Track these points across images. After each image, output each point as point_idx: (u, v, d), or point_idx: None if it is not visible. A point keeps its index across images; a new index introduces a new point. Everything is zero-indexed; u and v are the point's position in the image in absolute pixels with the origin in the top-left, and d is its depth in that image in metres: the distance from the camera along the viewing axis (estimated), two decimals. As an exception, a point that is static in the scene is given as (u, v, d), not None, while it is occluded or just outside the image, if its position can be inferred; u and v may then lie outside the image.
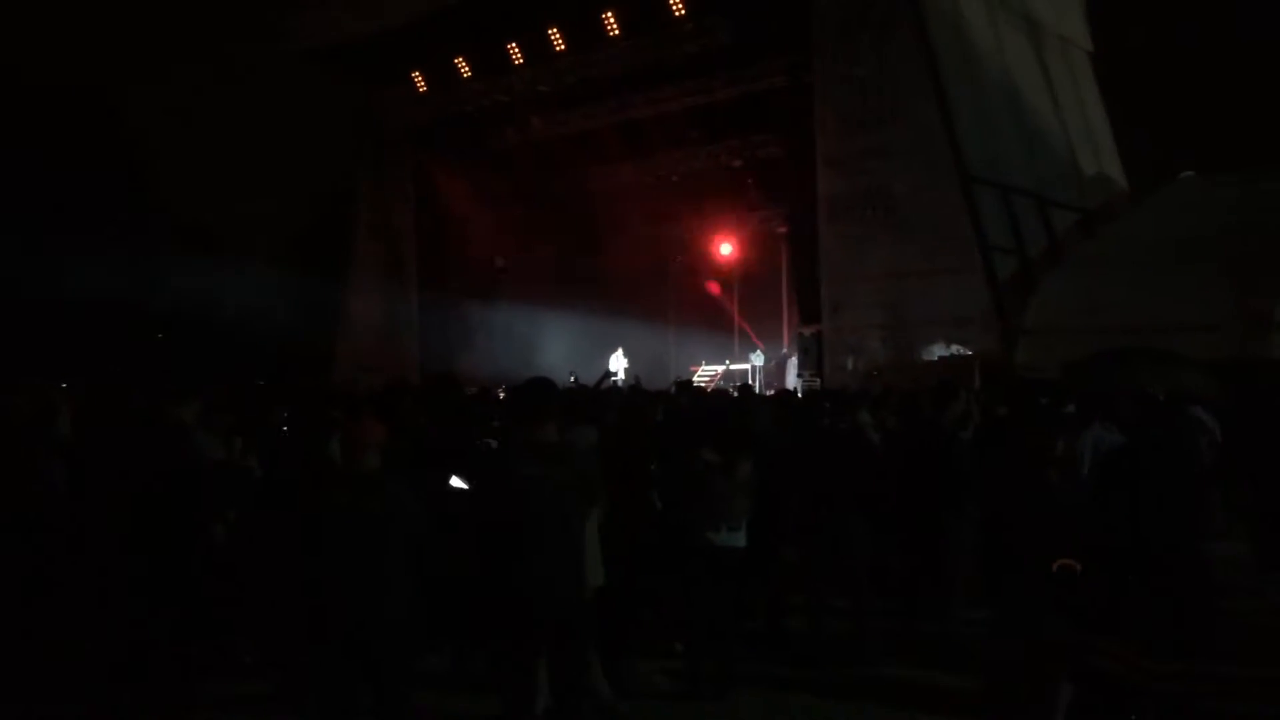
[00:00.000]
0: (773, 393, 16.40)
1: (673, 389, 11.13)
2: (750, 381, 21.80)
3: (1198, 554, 3.33)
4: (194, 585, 4.98)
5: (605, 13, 19.03)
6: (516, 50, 20.57)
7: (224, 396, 7.70)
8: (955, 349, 15.01)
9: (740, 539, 5.89)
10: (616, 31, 19.27)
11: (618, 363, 22.94)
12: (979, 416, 7.98)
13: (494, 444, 6.00)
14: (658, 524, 6.09)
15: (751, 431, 6.70)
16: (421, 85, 22.39)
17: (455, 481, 5.09)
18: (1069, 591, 3.31)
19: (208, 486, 5.04)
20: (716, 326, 26.05)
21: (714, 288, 25.39)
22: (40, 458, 5.81)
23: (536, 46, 20.24)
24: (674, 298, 27.71)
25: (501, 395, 11.45)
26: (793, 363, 20.74)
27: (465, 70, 21.45)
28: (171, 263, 24.08)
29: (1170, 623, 3.03)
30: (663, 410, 8.28)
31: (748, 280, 25.70)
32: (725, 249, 24.53)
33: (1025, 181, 16.26)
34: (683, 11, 18.36)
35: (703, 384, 21.69)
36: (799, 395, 12.84)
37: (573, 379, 15.87)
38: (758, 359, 22.47)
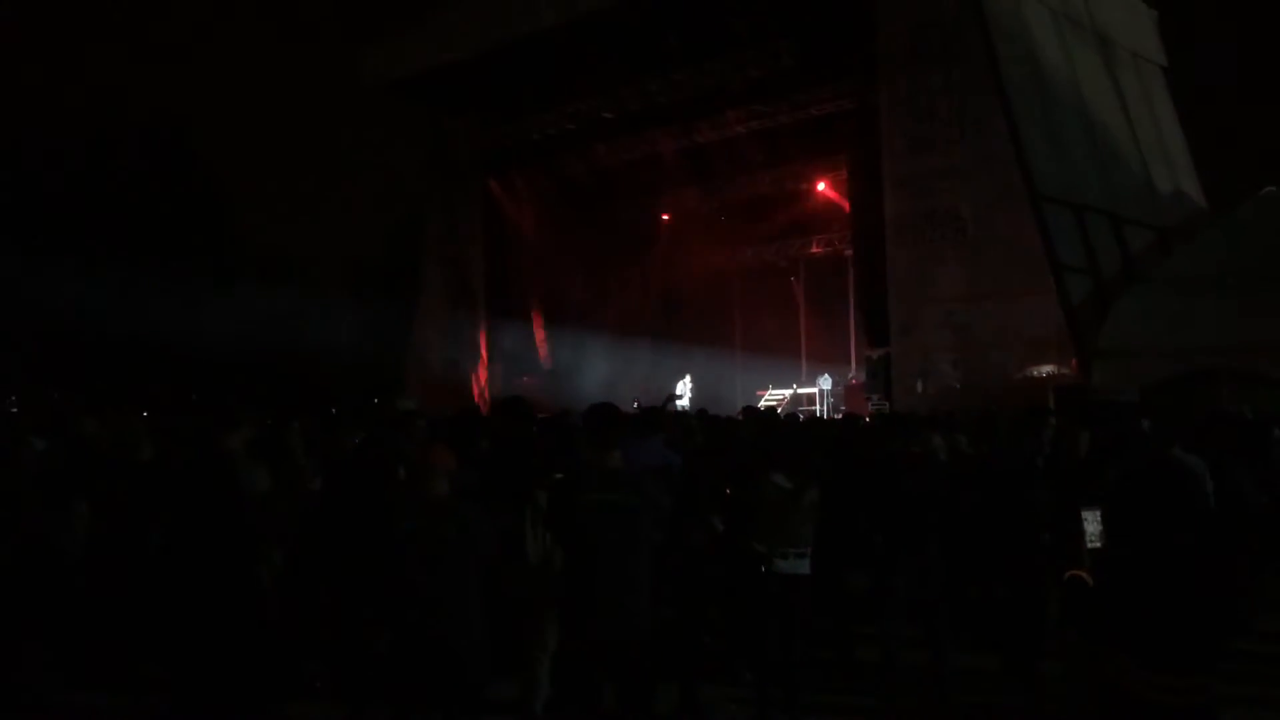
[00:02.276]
0: (840, 416, 16.26)
1: (740, 416, 11.06)
2: (818, 406, 21.66)
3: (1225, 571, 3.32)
4: (247, 614, 5.04)
5: (669, 38, 19.14)
6: (581, 78, 20.76)
7: (298, 423, 7.82)
8: (1028, 371, 14.72)
9: (805, 566, 5.82)
10: (680, 57, 19.36)
11: (683, 388, 22.97)
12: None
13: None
14: (721, 549, 6.05)
15: (818, 457, 6.62)
16: (489, 115, 22.73)
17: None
18: (1080, 602, 3.34)
19: (249, 519, 5.09)
20: (783, 351, 25.93)
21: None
22: (123, 485, 5.99)
23: (600, 73, 20.41)
24: (740, 322, 27.68)
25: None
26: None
27: (531, 99, 21.72)
28: (246, 292, 24.71)
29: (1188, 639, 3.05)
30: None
31: (814, 303, 25.61)
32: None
33: (1098, 200, 15.92)
34: (746, 36, 18.39)
35: (769, 409, 21.56)
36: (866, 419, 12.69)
37: (636, 405, 15.88)
38: (825, 383, 22.29)
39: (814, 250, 25.40)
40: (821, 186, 22.96)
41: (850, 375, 22.68)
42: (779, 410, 17.63)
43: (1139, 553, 3.16)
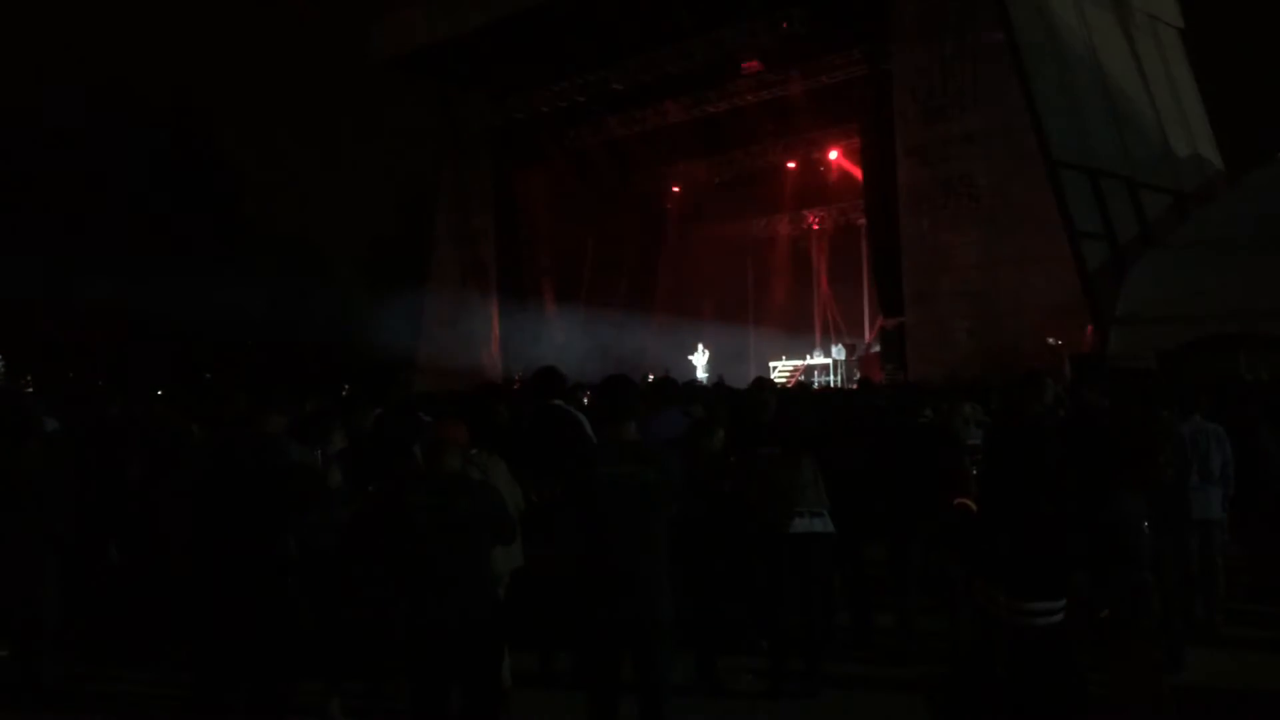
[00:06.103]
0: (856, 386, 16.20)
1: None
2: (832, 376, 21.59)
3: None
4: (276, 587, 5.06)
5: (678, 7, 18.93)
6: (591, 50, 20.55)
7: (312, 404, 7.84)
8: (1045, 339, 14.60)
9: (827, 524, 5.80)
10: (690, 26, 19.16)
11: (699, 360, 22.93)
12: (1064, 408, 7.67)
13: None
14: (728, 517, 6.04)
15: (810, 426, 6.58)
16: (498, 89, 22.56)
17: None
18: (961, 531, 3.76)
19: (286, 491, 5.10)
20: (797, 321, 25.84)
21: None
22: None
23: (610, 44, 20.19)
24: (754, 293, 27.59)
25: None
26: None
27: (541, 72, 21.52)
28: (257, 275, 24.72)
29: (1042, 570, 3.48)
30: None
31: (828, 273, 25.51)
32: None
33: (1115, 164, 15.75)
34: (756, 3, 18.16)
35: (783, 380, 21.51)
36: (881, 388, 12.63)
37: (650, 379, 15.86)
38: (839, 353, 22.21)
39: (827, 220, 25.26)
40: (834, 155, 22.79)
41: (865, 345, 22.61)
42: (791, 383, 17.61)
43: (993, 495, 3.67)
